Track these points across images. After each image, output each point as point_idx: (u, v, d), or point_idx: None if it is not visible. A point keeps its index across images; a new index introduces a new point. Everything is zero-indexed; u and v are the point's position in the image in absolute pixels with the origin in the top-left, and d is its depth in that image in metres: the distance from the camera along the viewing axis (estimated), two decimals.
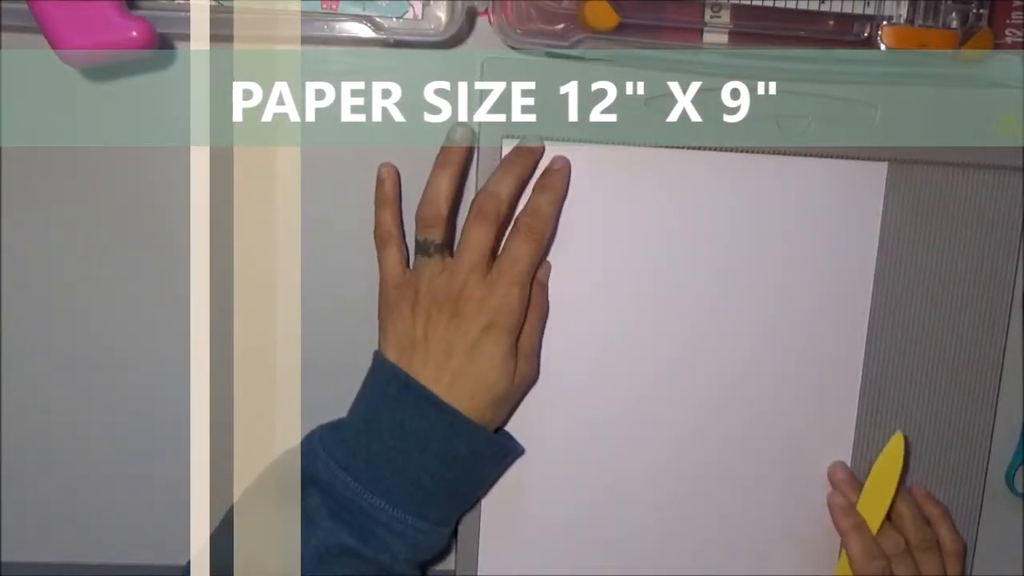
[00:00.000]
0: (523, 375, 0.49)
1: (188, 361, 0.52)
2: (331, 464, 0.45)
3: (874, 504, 0.53)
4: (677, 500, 0.54)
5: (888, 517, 0.53)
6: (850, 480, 0.54)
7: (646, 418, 0.53)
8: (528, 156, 0.49)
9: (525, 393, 0.51)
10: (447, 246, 0.48)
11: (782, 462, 0.54)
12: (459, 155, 0.49)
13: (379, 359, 0.47)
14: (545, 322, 0.51)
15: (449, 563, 0.54)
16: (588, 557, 0.54)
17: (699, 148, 0.51)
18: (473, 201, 0.47)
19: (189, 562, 0.46)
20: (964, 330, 0.55)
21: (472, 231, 0.47)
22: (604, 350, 0.52)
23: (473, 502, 0.51)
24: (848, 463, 0.55)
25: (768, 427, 0.54)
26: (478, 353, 0.46)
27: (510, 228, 0.48)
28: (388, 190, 0.49)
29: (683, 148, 0.51)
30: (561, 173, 0.50)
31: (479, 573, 0.53)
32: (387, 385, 0.47)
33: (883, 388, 0.55)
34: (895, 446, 0.53)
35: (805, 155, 0.52)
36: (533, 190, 0.49)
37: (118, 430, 0.52)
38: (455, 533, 0.52)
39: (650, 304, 0.52)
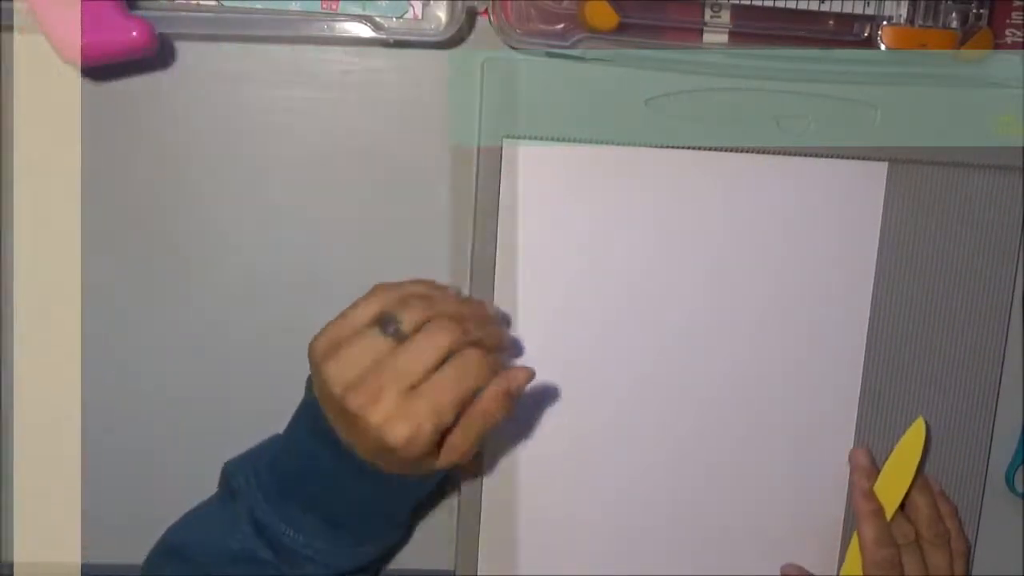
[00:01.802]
0: (442, 463, 0.43)
1: (188, 361, 0.52)
2: (252, 485, 0.45)
3: (890, 489, 0.52)
4: (677, 499, 0.54)
5: (902, 505, 0.53)
6: (871, 467, 0.53)
7: (646, 417, 0.53)
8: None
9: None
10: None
11: (782, 462, 0.54)
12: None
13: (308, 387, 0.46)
14: (492, 427, 0.43)
15: (449, 563, 0.54)
16: (589, 556, 0.54)
17: (699, 148, 0.51)
18: None
19: None
20: (964, 330, 0.55)
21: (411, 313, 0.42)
22: (605, 349, 0.52)
23: (399, 523, 0.49)
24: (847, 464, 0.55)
25: (768, 428, 0.54)
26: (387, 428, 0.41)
27: (467, 410, 0.42)
28: None
29: (683, 148, 0.51)
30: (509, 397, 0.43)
31: (479, 573, 0.53)
32: (307, 419, 0.45)
33: (883, 388, 0.55)
34: (916, 432, 0.52)
35: (805, 155, 0.52)
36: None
37: (118, 430, 0.52)
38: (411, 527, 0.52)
39: (649, 304, 0.52)
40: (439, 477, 0.46)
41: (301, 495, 0.44)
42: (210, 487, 0.53)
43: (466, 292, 0.51)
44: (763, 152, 0.51)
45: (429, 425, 0.40)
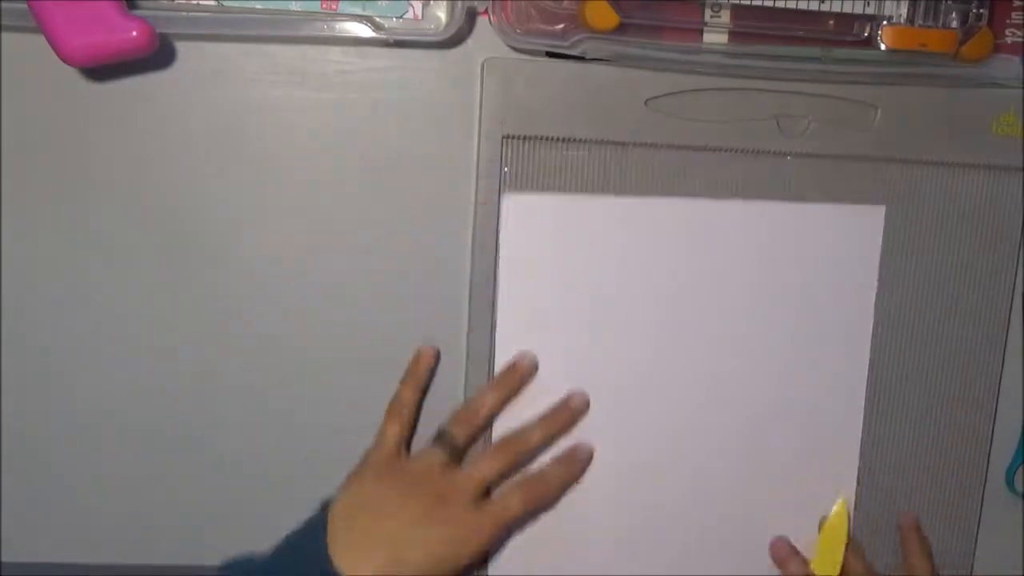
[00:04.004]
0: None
1: (188, 361, 0.52)
2: None
3: (826, 565, 0.53)
4: (678, 500, 0.54)
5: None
6: (794, 552, 0.54)
7: (643, 425, 0.53)
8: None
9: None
10: (460, 453, 0.49)
11: (788, 462, 0.54)
12: (513, 383, 0.50)
13: (321, 515, 0.47)
14: (540, 510, 0.51)
15: None
16: (592, 556, 0.54)
17: (699, 149, 0.51)
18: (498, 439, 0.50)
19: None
20: (964, 330, 0.55)
21: (488, 461, 0.48)
22: (599, 356, 0.52)
23: None
24: (855, 463, 0.55)
25: (771, 431, 0.54)
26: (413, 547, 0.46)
27: (517, 478, 0.49)
28: (421, 370, 0.51)
29: (683, 149, 0.51)
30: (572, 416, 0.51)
31: (482, 573, 0.53)
32: (308, 547, 0.46)
33: (884, 388, 0.55)
34: (840, 511, 0.54)
35: (805, 155, 0.52)
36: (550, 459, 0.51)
37: (118, 430, 0.52)
38: None
39: (648, 306, 0.52)
40: None
41: None
42: (210, 487, 0.53)
43: (466, 293, 0.51)
44: (763, 152, 0.51)
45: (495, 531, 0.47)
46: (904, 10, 0.49)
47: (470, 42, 0.50)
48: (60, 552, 0.53)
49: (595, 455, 0.52)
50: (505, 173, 0.50)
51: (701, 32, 0.49)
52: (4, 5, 0.44)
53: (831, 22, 0.49)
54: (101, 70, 0.48)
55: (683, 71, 0.50)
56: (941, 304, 0.54)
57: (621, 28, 0.47)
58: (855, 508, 0.55)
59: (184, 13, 0.46)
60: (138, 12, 0.44)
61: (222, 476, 0.53)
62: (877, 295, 0.54)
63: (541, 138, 0.50)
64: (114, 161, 0.50)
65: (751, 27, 0.49)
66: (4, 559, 0.53)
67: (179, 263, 0.51)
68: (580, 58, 0.49)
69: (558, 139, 0.50)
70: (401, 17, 0.47)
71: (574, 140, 0.50)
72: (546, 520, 0.53)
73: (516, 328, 0.51)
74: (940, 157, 0.53)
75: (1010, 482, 0.57)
